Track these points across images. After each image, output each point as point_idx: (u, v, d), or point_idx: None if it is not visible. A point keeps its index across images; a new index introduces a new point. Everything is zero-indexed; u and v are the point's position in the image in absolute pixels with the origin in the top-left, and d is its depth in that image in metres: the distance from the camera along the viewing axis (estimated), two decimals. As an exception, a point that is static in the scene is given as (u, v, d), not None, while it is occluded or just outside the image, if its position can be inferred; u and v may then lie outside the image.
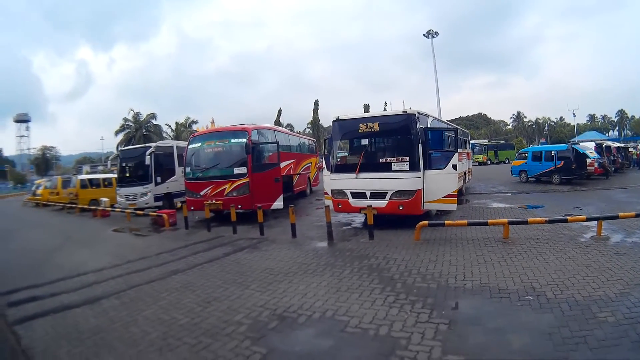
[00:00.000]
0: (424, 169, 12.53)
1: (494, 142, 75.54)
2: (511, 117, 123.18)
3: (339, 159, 14.13)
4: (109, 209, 22.16)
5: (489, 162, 56.65)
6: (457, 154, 13.02)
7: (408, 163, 12.47)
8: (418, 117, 12.65)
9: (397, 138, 13.64)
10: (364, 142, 13.73)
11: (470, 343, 5.20)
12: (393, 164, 12.71)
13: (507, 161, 55.16)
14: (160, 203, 20.69)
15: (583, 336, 5.14)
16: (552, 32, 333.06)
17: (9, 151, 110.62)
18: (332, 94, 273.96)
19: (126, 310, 7.04)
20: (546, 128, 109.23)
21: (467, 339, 5.31)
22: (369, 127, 13.17)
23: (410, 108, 12.99)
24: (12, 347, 5.89)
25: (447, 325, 5.66)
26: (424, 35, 55.99)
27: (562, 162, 24.94)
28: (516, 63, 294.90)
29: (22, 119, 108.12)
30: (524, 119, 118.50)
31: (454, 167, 12.65)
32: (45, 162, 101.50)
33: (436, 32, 55.66)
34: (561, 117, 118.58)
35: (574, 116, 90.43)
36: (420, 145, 12.45)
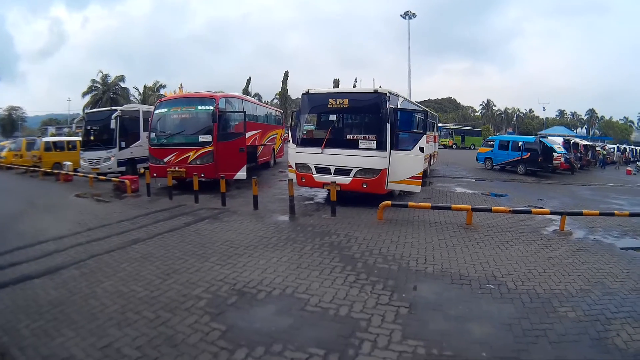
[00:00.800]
0: (391, 149, 12.63)
1: (461, 127, 76.14)
2: (481, 105, 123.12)
3: (305, 133, 14.10)
4: (72, 173, 21.72)
5: (454, 146, 57.49)
6: (425, 136, 13.05)
7: (375, 142, 12.51)
8: (389, 97, 12.66)
9: (366, 116, 13.69)
10: (332, 117, 13.73)
11: (431, 329, 5.27)
12: (360, 141, 12.74)
13: (473, 147, 56.25)
14: (123, 168, 20.51)
15: (543, 329, 5.26)
16: (533, 28, 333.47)
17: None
18: (304, 67, 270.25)
19: (86, 282, 6.93)
20: (514, 118, 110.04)
21: (427, 324, 5.38)
22: (338, 102, 13.11)
23: (380, 87, 13.03)
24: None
25: (408, 309, 5.75)
26: (401, 15, 55.76)
27: (529, 153, 25.59)
28: (492, 53, 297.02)
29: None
30: (494, 108, 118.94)
31: (421, 149, 12.73)
32: (11, 123, 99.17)
33: (414, 14, 55.38)
34: (530, 109, 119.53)
35: (544, 110, 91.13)
36: (388, 125, 12.49)
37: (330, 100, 13.25)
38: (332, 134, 13.35)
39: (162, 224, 11.05)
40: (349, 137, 13.24)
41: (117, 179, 17.15)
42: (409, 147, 12.79)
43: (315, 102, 13.94)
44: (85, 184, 19.45)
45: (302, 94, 14.04)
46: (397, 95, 14.06)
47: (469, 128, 75.30)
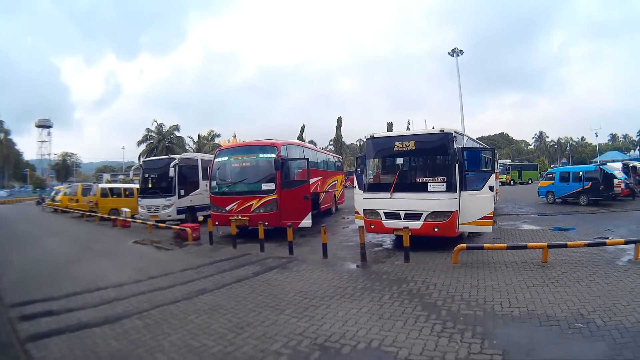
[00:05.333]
0: (460, 190, 12.07)
1: (517, 162, 75.55)
2: (533, 137, 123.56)
3: (372, 178, 13.65)
4: (130, 219, 21.89)
5: (512, 182, 56.15)
6: (494, 174, 12.66)
7: (444, 183, 12.01)
8: (455, 136, 12.25)
9: (433, 157, 13.12)
10: (399, 160, 13.22)
11: (528, 375, 4.96)
12: (429, 184, 12.22)
13: (530, 182, 55.67)
14: (182, 216, 20.47)
15: (639, 364, 4.98)
16: (577, 52, 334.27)
17: (30, 155, 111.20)
18: (355, 111, 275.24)
19: (150, 334, 6.50)
20: (568, 148, 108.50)
21: (523, 370, 5.07)
22: (404, 145, 12.74)
23: (442, 129, 12.61)
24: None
25: (501, 357, 5.33)
26: (448, 53, 55.27)
27: (590, 182, 24.57)
28: (540, 82, 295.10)
29: (44, 124, 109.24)
30: (546, 139, 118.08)
31: (491, 188, 12.10)
32: (65, 168, 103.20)
33: (461, 51, 54.84)
34: (583, 137, 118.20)
35: (597, 136, 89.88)
36: (457, 165, 11.99)
37: (396, 143, 12.91)
38: (400, 178, 12.83)
39: (229, 274, 10.60)
40: (418, 180, 12.75)
41: (178, 227, 17.04)
42: (479, 186, 12.23)
43: (381, 146, 13.62)
44: (143, 231, 19.51)
45: (367, 139, 13.79)
46: (462, 134, 13.78)
47: (525, 162, 74.48)
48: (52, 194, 39.40)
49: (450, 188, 11.94)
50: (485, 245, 10.94)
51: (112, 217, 23.35)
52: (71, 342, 6.28)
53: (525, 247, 10.83)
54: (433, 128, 13.09)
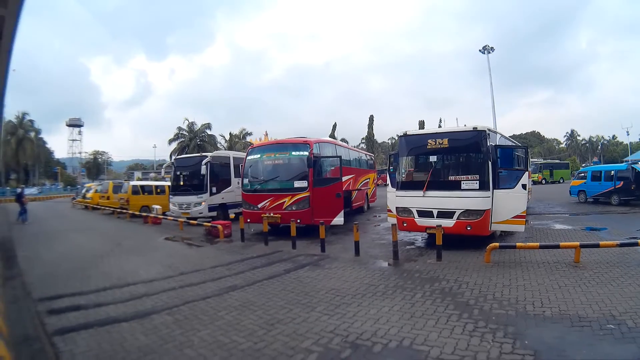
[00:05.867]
0: (493, 188, 11.92)
1: (548, 160, 74.42)
2: (564, 136, 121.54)
3: (405, 176, 13.53)
4: (161, 216, 22.07)
5: (544, 181, 55.58)
6: (527, 173, 12.46)
7: (477, 182, 11.91)
8: (488, 134, 12.08)
9: (466, 155, 13.01)
10: (432, 158, 13.07)
11: (559, 377, 4.91)
12: (462, 182, 12.12)
13: (561, 181, 55.59)
14: (214, 213, 20.51)
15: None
16: (606, 49, 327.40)
17: (61, 154, 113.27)
18: (386, 109, 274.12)
19: (180, 329, 6.46)
20: (599, 147, 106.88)
21: (555, 372, 5.00)
22: (437, 143, 12.62)
23: (475, 126, 12.45)
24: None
25: (533, 357, 5.23)
26: (479, 50, 53.72)
27: (622, 182, 24.19)
28: (570, 80, 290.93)
29: (75, 124, 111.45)
30: (578, 137, 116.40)
31: (524, 186, 12.01)
32: (96, 166, 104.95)
33: (492, 48, 53.38)
34: (614, 136, 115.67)
35: (628, 134, 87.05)
36: (490, 163, 11.88)
37: (429, 141, 12.79)
38: (433, 176, 12.72)
39: (260, 271, 10.54)
40: (451, 178, 12.65)
41: (209, 224, 17.10)
42: (512, 185, 12.11)
43: (414, 144, 13.45)
44: (174, 228, 19.65)
45: (400, 136, 13.70)
46: (495, 132, 13.61)
47: (557, 161, 73.22)
48: (83, 191, 39.89)
49: (483, 186, 11.83)
50: (517, 244, 10.77)
51: (143, 214, 23.58)
52: (99, 336, 6.27)
53: (557, 247, 10.63)
54: (465, 126, 12.87)
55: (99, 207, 30.79)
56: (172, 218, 20.76)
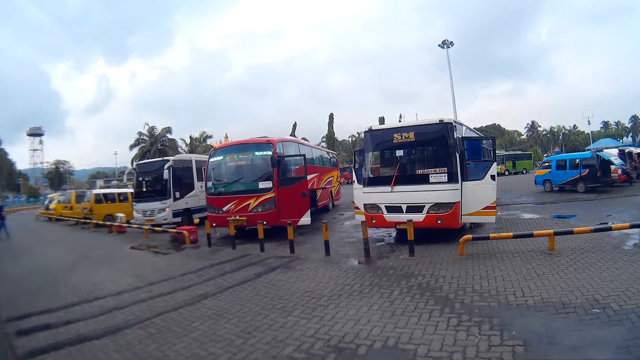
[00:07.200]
0: (462, 180, 11.97)
1: (511, 152, 75.56)
2: (525, 127, 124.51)
3: (371, 172, 13.47)
4: (125, 224, 21.64)
5: (507, 172, 56.24)
6: (495, 163, 12.48)
7: (446, 174, 11.90)
8: (455, 126, 12.13)
9: (433, 148, 13.04)
10: (399, 153, 13.09)
11: (554, 364, 4.92)
12: (430, 175, 12.12)
13: (525, 171, 56.86)
14: (179, 219, 20.17)
15: (660, 346, 5.00)
16: (567, 39, 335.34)
17: (23, 165, 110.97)
18: (347, 106, 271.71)
19: (154, 344, 6.22)
20: (560, 137, 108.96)
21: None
22: (403, 137, 12.63)
23: (441, 119, 12.47)
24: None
25: (524, 347, 5.24)
26: (439, 45, 54.52)
27: (587, 170, 24.80)
28: (531, 71, 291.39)
29: (36, 133, 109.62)
30: (538, 128, 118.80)
31: (493, 177, 12.10)
32: (58, 176, 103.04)
33: (451, 42, 54.07)
34: (575, 125, 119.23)
35: (589, 124, 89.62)
36: (457, 155, 11.91)
37: (395, 135, 12.80)
38: (401, 170, 12.70)
39: (231, 276, 10.35)
40: (419, 171, 12.65)
41: (175, 230, 16.80)
42: (480, 176, 12.24)
43: (379, 139, 13.50)
44: (140, 236, 19.29)
45: (365, 132, 13.68)
46: (462, 124, 13.66)
47: (519, 152, 74.61)
48: (46, 202, 39.15)
49: (451, 178, 11.83)
50: (491, 235, 10.81)
51: (108, 223, 23.09)
52: (71, 356, 6.04)
53: (531, 236, 10.67)
54: (431, 119, 12.85)
55: (62, 218, 30.13)
56: (136, 226, 20.35)
